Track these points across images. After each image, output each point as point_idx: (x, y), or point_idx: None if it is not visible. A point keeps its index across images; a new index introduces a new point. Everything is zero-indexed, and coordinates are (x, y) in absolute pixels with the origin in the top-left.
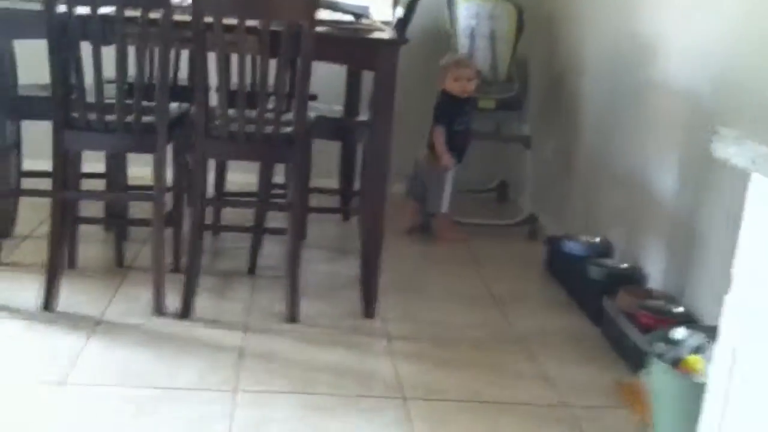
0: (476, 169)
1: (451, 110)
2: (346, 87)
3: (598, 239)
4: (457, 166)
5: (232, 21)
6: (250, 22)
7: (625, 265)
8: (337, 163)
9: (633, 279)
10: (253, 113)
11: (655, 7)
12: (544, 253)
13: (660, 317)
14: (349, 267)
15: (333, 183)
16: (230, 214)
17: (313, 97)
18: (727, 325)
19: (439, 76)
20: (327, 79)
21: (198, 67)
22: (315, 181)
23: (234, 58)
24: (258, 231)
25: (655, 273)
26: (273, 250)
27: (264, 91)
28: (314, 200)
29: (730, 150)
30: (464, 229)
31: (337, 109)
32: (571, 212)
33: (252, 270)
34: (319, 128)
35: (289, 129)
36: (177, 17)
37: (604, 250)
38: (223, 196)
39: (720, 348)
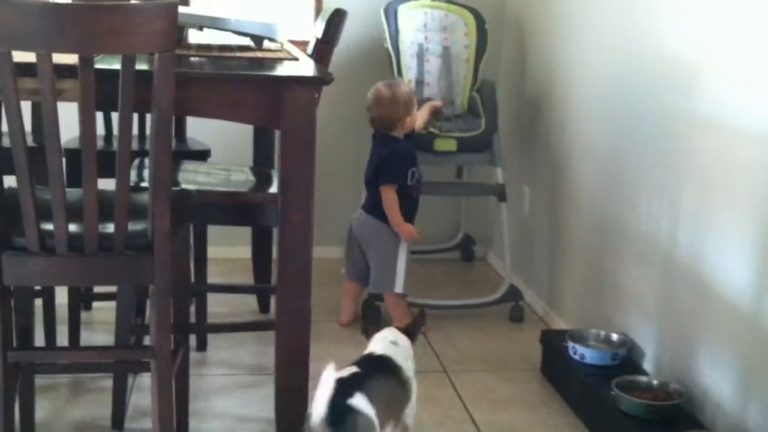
0: (433, 223)
1: (409, 161)
2: (254, 135)
3: (615, 337)
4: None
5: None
6: (62, 57)
7: (673, 387)
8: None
9: (688, 415)
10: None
11: (698, 14)
12: (540, 352)
13: None
14: (268, 402)
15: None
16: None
17: (202, 155)
18: None
19: (395, 116)
20: (224, 123)
21: None
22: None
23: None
24: (121, 371)
25: (718, 397)
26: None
27: (92, 166)
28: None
29: None
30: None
31: (239, 177)
32: (565, 287)
33: (118, 424)
34: (209, 212)
35: (141, 226)
36: None
37: (629, 356)
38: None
39: None
